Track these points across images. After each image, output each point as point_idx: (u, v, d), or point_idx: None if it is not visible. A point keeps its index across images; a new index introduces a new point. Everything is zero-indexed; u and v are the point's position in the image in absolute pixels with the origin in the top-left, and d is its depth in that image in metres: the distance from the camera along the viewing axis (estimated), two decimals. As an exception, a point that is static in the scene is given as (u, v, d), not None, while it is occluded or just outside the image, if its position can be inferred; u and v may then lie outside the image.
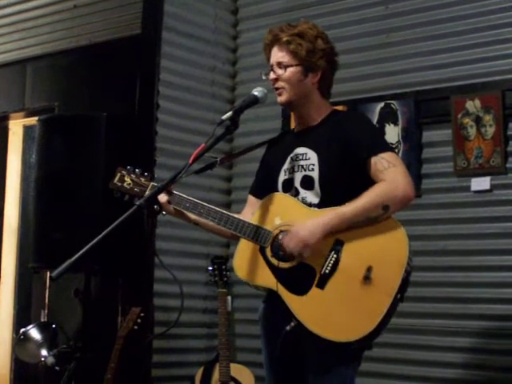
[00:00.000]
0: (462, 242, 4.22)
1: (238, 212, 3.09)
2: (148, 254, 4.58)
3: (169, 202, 3.00)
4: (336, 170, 2.89)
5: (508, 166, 4.11)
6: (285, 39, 2.96)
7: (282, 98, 3.00)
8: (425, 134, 4.39)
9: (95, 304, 4.49)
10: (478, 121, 4.19)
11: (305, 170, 2.95)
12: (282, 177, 3.03)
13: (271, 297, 2.94)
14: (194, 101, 5.00)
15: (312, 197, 2.93)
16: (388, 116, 4.44)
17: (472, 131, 4.21)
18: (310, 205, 2.91)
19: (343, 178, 2.88)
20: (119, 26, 5.00)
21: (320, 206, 2.89)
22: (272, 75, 3.00)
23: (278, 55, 2.99)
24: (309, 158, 2.96)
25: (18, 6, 5.61)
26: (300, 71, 2.96)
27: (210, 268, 4.61)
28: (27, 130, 5.60)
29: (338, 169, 2.88)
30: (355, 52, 4.69)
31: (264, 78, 3.03)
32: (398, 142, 4.36)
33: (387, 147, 2.93)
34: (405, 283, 2.76)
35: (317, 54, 2.96)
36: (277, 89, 3.00)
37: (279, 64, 2.98)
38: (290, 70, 2.96)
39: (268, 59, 3.04)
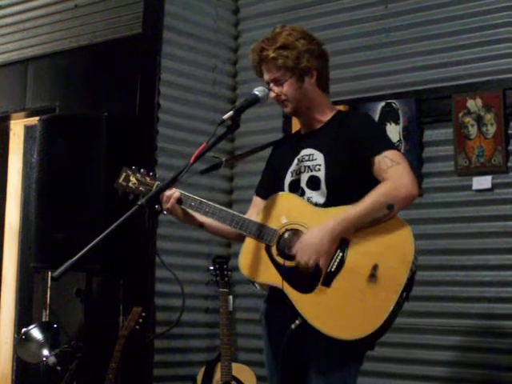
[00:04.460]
0: (463, 240, 4.22)
1: (243, 213, 3.05)
2: (149, 254, 4.59)
3: (179, 201, 3.00)
4: (342, 169, 2.89)
5: (509, 164, 4.11)
6: (271, 56, 2.95)
7: (288, 109, 3.03)
8: (426, 133, 4.39)
9: (97, 304, 4.49)
10: (479, 120, 4.19)
11: (311, 171, 2.95)
12: (289, 178, 3.03)
13: (273, 296, 2.95)
14: (195, 100, 5.00)
15: (318, 197, 2.93)
16: (389, 115, 4.43)
17: (473, 130, 4.21)
18: (316, 205, 2.91)
19: (349, 178, 2.88)
20: (120, 25, 5.00)
21: (326, 205, 2.89)
22: (272, 94, 3.00)
23: (269, 74, 2.99)
24: (315, 158, 2.96)
25: (19, 6, 5.61)
26: (296, 80, 2.97)
27: (212, 267, 4.61)
28: (28, 129, 5.59)
29: (344, 168, 2.89)
30: (355, 51, 4.69)
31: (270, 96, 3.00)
32: (399, 141, 4.36)
33: (390, 145, 2.93)
34: (410, 282, 2.76)
35: (304, 57, 2.95)
36: (281, 102, 3.02)
37: (275, 81, 2.99)
38: (286, 84, 2.97)
39: (261, 77, 3.04)
